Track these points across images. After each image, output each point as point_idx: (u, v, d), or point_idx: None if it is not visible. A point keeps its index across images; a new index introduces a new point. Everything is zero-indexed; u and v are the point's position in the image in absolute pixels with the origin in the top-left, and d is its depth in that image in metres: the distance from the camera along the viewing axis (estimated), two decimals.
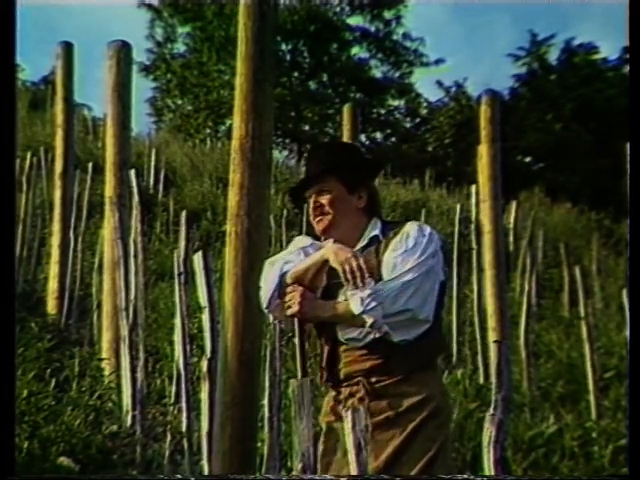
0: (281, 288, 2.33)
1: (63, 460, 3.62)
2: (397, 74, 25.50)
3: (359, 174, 2.45)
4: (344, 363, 2.30)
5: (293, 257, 2.40)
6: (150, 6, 24.28)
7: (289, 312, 2.30)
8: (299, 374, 2.26)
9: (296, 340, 2.31)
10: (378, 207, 2.51)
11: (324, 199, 2.39)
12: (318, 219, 2.40)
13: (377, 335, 2.23)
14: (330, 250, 2.28)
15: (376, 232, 2.38)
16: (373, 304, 2.19)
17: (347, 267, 2.21)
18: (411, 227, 2.33)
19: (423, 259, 2.25)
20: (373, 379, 2.26)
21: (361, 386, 2.27)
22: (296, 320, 2.31)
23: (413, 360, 2.24)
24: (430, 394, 2.25)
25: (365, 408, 2.20)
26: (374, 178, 2.59)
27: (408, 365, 2.24)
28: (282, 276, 2.33)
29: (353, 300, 2.22)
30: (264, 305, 2.39)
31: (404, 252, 2.26)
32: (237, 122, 2.98)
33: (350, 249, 2.28)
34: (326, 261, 2.28)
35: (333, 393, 2.35)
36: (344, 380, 2.31)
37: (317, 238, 2.49)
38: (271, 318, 2.44)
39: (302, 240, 2.51)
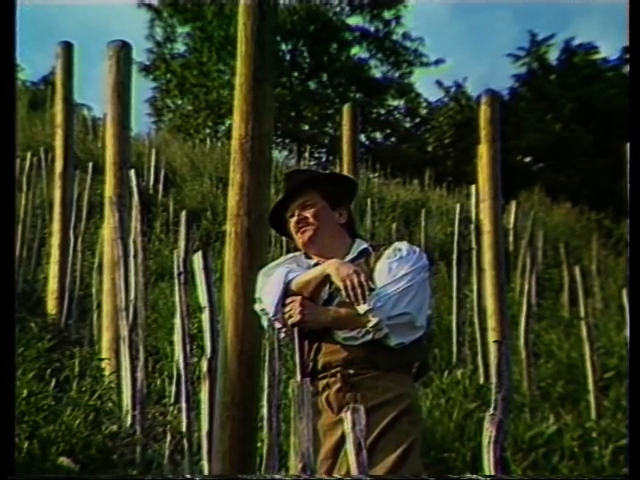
0: (286, 295, 2.34)
1: (63, 460, 3.62)
2: (397, 74, 25.50)
3: (339, 191, 2.55)
4: (324, 353, 2.33)
5: (288, 265, 2.44)
6: (150, 6, 24.28)
7: (291, 321, 2.31)
8: (299, 379, 2.26)
9: (296, 347, 2.32)
10: (356, 229, 2.61)
11: (308, 212, 2.46)
12: (302, 230, 2.46)
13: (376, 336, 2.25)
14: (332, 266, 2.30)
15: (365, 246, 2.47)
16: (378, 304, 2.23)
17: (349, 283, 2.23)
18: (401, 244, 2.43)
19: (417, 267, 2.33)
20: (352, 370, 2.28)
21: (338, 377, 2.29)
22: (296, 330, 2.32)
23: (395, 358, 2.28)
24: (405, 392, 2.29)
25: (341, 398, 2.22)
26: (352, 199, 2.65)
27: (390, 361, 2.28)
28: (287, 283, 2.35)
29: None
30: (270, 314, 2.38)
31: (399, 259, 2.34)
32: (237, 122, 2.98)
33: (352, 265, 2.31)
34: (327, 276, 2.30)
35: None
36: (321, 371, 2.32)
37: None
38: (278, 325, 2.43)
39: (294, 253, 2.58)
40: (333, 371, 2.30)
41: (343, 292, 2.24)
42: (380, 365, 2.27)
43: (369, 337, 2.26)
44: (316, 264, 2.44)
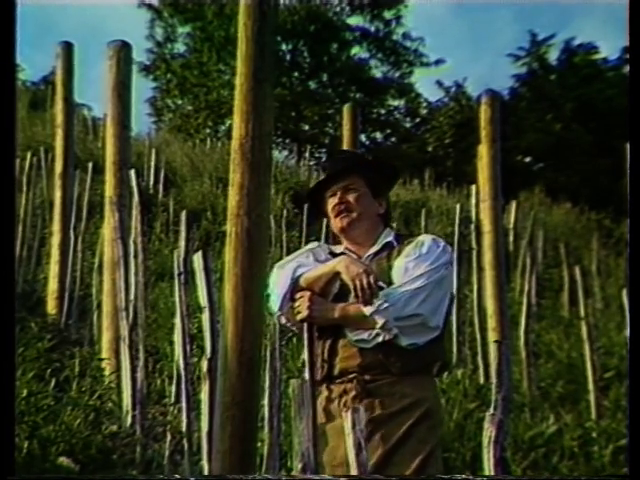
0: (293, 291, 2.34)
1: (63, 460, 3.62)
2: (397, 74, 25.52)
3: (382, 180, 2.50)
4: (340, 359, 2.30)
5: (303, 260, 2.41)
6: (150, 6, 24.30)
7: (299, 317, 2.31)
8: (307, 376, 2.26)
9: (305, 343, 2.31)
10: (390, 218, 2.56)
11: (351, 196, 2.41)
12: (342, 215, 2.41)
13: (387, 337, 2.22)
14: (342, 263, 2.29)
15: (390, 239, 2.41)
16: (385, 305, 2.20)
17: (358, 283, 2.21)
18: (425, 238, 2.37)
19: (436, 266, 2.27)
20: (367, 376, 2.25)
21: (355, 383, 2.26)
22: (305, 326, 2.31)
23: (411, 362, 2.24)
24: (423, 396, 2.25)
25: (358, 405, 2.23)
26: (391, 188, 2.62)
27: (405, 366, 2.24)
28: (295, 279, 2.34)
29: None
30: (276, 308, 2.39)
31: (417, 257, 2.29)
32: (237, 122, 2.97)
33: (362, 264, 2.29)
34: (337, 273, 2.28)
35: (325, 393, 2.33)
36: (338, 376, 2.30)
37: (336, 241, 2.50)
38: (283, 320, 2.44)
39: (311, 243, 2.55)
40: (350, 377, 2.27)
41: (352, 291, 2.23)
42: (394, 370, 2.24)
43: (380, 339, 2.23)
44: (341, 253, 2.41)
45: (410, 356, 2.23)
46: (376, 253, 2.39)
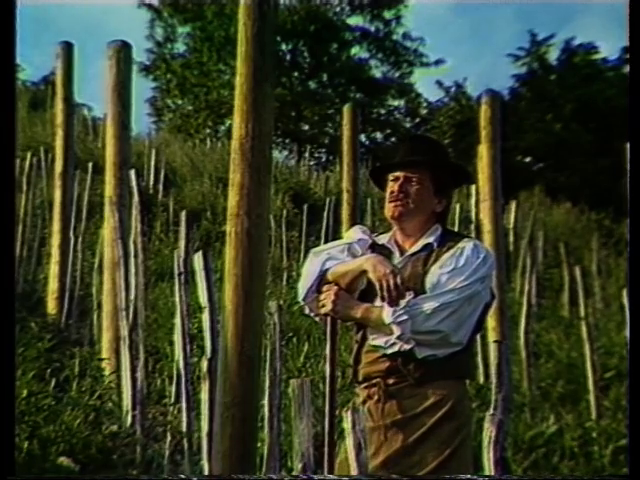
0: (320, 283, 2.33)
1: (63, 460, 3.62)
2: (397, 74, 25.54)
3: (449, 179, 2.43)
4: (364, 364, 2.31)
5: (336, 253, 2.38)
6: (150, 6, 24.33)
7: (322, 310, 2.31)
8: (327, 372, 2.26)
9: (327, 337, 2.31)
10: (447, 217, 2.48)
11: (412, 188, 2.35)
12: (397, 204, 2.35)
13: (403, 348, 2.20)
14: (370, 262, 2.26)
15: (431, 240, 2.34)
16: (404, 317, 2.17)
17: (384, 284, 2.18)
18: (467, 244, 2.29)
19: (469, 282, 2.21)
20: (390, 380, 2.25)
21: (377, 388, 2.26)
22: (328, 319, 2.31)
23: (430, 371, 2.22)
24: (445, 396, 2.22)
25: (380, 409, 2.21)
26: (457, 188, 2.58)
27: (424, 375, 2.22)
28: (323, 272, 2.33)
29: (386, 308, 2.21)
30: (301, 297, 2.39)
31: (452, 270, 2.23)
32: (237, 122, 2.98)
33: (390, 264, 2.25)
34: (364, 271, 2.25)
35: (355, 397, 2.36)
36: (363, 381, 2.31)
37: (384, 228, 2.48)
38: (307, 310, 2.43)
39: (355, 231, 2.49)
40: (373, 382, 2.27)
41: (378, 291, 2.20)
42: (411, 379, 2.22)
43: (396, 348, 2.21)
44: (382, 246, 2.39)
45: (429, 366, 2.21)
46: (414, 253, 2.34)
